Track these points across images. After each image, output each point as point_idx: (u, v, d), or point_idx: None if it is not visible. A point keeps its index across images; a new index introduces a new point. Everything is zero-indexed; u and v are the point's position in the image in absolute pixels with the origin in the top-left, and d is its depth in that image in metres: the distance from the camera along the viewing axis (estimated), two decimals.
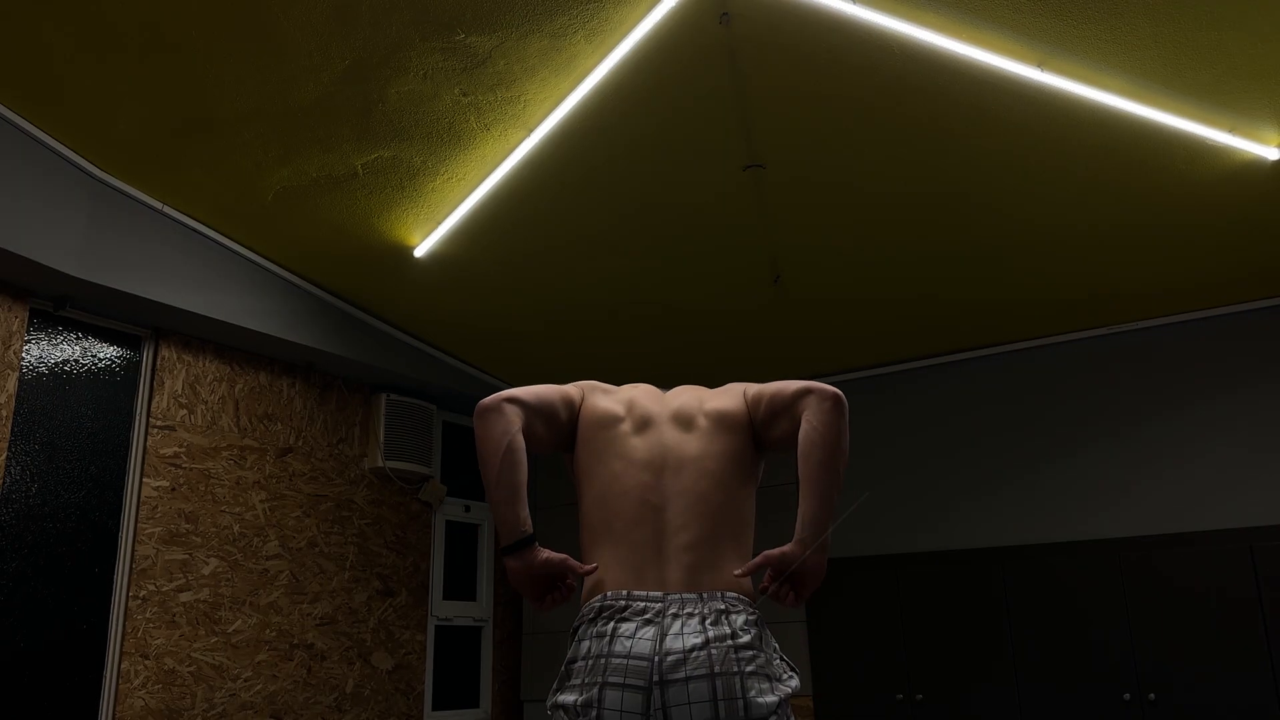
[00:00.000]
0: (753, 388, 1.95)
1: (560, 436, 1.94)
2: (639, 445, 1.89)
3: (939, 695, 4.64)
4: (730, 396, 1.95)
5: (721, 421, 1.90)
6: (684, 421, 1.92)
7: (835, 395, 1.79)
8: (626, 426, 1.91)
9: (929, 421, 5.17)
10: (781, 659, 1.74)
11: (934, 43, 2.86)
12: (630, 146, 3.43)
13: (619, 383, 2.08)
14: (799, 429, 1.79)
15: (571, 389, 1.97)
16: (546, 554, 1.79)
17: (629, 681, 1.61)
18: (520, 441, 1.79)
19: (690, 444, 1.89)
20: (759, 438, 1.92)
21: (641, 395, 1.99)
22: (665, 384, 2.08)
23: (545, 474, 5.67)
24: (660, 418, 1.94)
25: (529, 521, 1.78)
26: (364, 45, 2.95)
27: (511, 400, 1.83)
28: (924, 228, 3.91)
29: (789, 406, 1.84)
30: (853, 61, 2.98)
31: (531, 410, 1.85)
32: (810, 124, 3.30)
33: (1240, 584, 4.16)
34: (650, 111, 3.24)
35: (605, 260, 4.20)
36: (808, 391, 1.81)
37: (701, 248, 4.10)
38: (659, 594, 1.70)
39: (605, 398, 1.97)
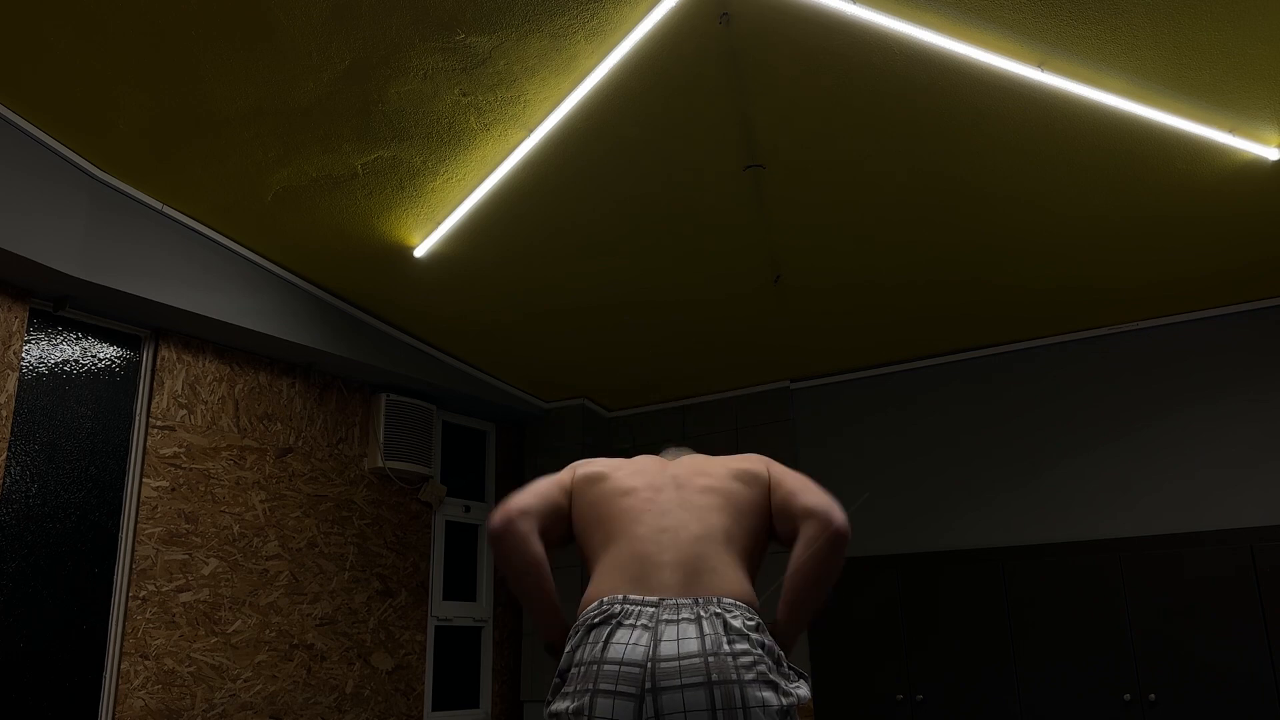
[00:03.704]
0: (777, 469, 1.93)
1: (567, 529, 1.94)
2: (639, 483, 1.89)
3: (939, 695, 4.64)
4: (751, 461, 1.94)
5: (737, 475, 1.90)
6: (695, 470, 1.93)
7: (836, 532, 1.75)
8: (623, 473, 1.92)
9: (930, 422, 5.16)
10: (790, 666, 1.69)
11: (934, 42, 2.86)
12: (630, 146, 3.43)
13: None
14: (794, 540, 1.81)
15: (562, 473, 1.98)
16: None
17: (620, 689, 1.58)
18: (540, 551, 1.83)
19: (699, 479, 1.89)
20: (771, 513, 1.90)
21: (640, 459, 1.99)
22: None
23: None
24: (662, 469, 1.94)
25: (564, 618, 1.89)
26: (364, 45, 2.94)
27: (524, 514, 1.83)
28: (924, 228, 3.91)
29: (794, 517, 1.82)
30: (852, 61, 2.98)
31: (540, 514, 1.86)
32: (810, 124, 3.30)
33: (1240, 584, 4.16)
34: (650, 111, 3.24)
35: (605, 260, 4.20)
36: (811, 514, 1.78)
37: (701, 247, 4.10)
38: (654, 599, 1.68)
39: (594, 464, 1.97)
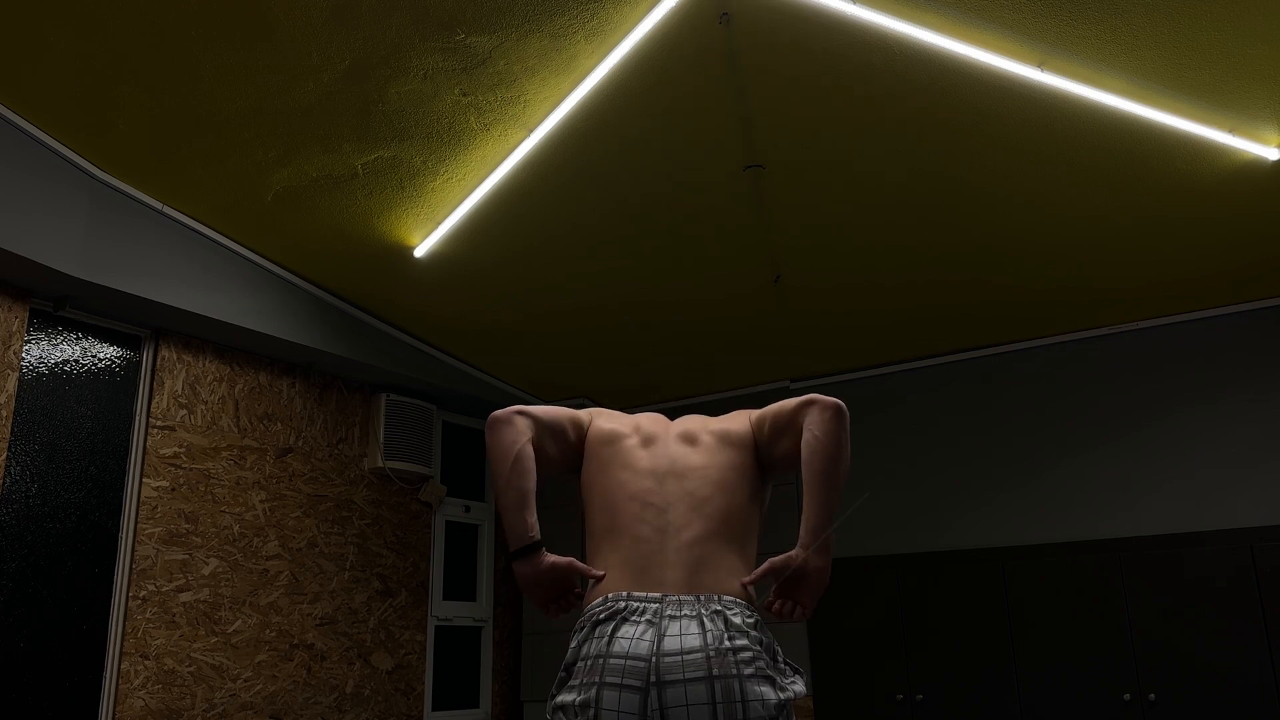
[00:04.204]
0: (756, 412, 2.01)
1: (567, 457, 1.99)
2: (644, 456, 1.94)
3: (939, 695, 4.64)
4: (735, 419, 2.01)
5: (725, 439, 1.96)
6: (689, 438, 1.99)
7: (836, 405, 1.82)
8: (632, 441, 1.97)
9: (930, 421, 5.16)
10: (786, 662, 1.73)
11: (934, 43, 2.86)
12: (630, 146, 3.43)
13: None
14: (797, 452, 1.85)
15: (581, 413, 2.04)
16: (553, 559, 1.83)
17: (626, 682, 1.62)
18: (529, 451, 1.86)
19: (695, 456, 1.94)
20: (765, 459, 1.95)
21: (647, 419, 2.05)
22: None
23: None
24: (665, 436, 2.00)
25: (536, 528, 1.83)
26: (364, 45, 2.95)
27: (522, 413, 1.90)
28: (924, 228, 3.91)
29: (791, 421, 1.88)
30: (853, 61, 2.98)
31: (541, 425, 1.92)
32: (810, 124, 3.30)
33: (1240, 584, 4.16)
34: (650, 111, 3.24)
35: (605, 260, 4.20)
36: (809, 404, 1.85)
37: (701, 247, 4.10)
38: (658, 594, 1.71)
39: (612, 420, 2.04)
